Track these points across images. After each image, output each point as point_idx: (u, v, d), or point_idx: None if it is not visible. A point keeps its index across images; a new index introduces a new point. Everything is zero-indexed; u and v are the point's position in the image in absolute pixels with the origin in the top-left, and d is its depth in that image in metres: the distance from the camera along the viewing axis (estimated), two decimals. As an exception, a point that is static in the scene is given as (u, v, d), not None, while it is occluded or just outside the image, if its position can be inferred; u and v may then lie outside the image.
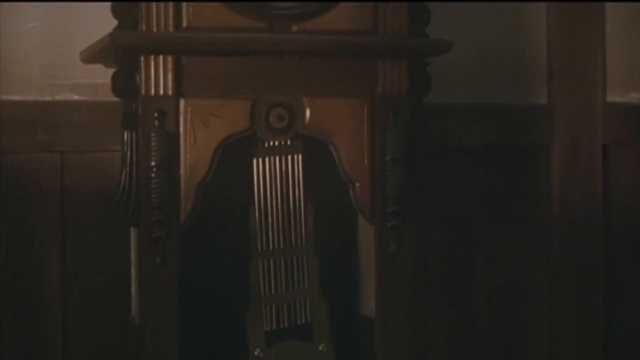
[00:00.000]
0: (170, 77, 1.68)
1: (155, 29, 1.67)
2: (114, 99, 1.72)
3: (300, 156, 1.81)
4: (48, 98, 2.00)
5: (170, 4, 1.67)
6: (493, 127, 2.33)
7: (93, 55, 1.78)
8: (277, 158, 1.80)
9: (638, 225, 2.46)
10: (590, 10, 2.42)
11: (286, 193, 1.82)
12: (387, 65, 1.79)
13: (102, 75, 1.80)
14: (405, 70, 1.81)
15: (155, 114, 1.67)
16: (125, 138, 1.72)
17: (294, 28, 1.74)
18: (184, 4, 1.67)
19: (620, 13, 2.49)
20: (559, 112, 2.39)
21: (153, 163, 1.67)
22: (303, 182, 1.82)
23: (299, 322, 1.84)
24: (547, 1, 2.40)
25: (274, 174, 1.81)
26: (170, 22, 1.67)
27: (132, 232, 1.80)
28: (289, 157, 1.81)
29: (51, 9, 1.99)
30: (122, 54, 1.68)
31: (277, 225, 1.81)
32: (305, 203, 1.83)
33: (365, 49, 1.78)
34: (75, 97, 2.01)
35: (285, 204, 1.81)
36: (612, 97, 2.48)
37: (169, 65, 1.68)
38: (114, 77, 1.69)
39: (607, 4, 2.46)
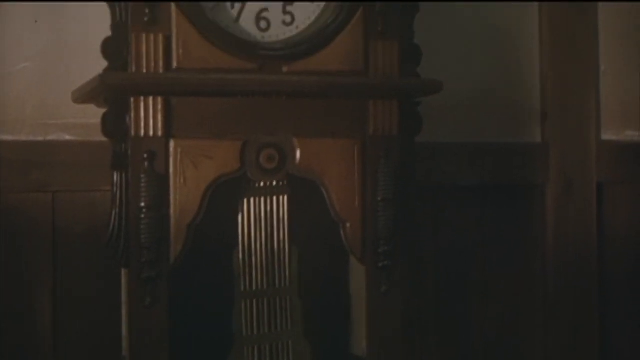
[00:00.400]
0: (160, 118, 1.68)
1: (145, 70, 1.67)
2: (106, 138, 1.73)
3: (286, 197, 1.81)
4: (40, 138, 2.00)
5: (161, 45, 1.67)
6: (487, 166, 2.32)
7: (84, 95, 1.78)
8: (263, 199, 1.80)
9: (633, 263, 2.46)
10: (584, 48, 2.43)
11: (271, 234, 1.81)
12: (378, 106, 1.80)
13: (94, 115, 1.80)
14: (396, 110, 1.81)
15: (145, 155, 1.67)
16: (115, 179, 1.72)
17: (285, 69, 1.75)
18: (175, 45, 1.68)
19: (614, 51, 2.49)
20: (553, 151, 2.39)
21: (143, 204, 1.68)
22: (288, 223, 1.82)
23: (281, 364, 1.84)
24: (541, 1, 2.41)
25: (259, 215, 1.80)
26: (160, 63, 1.68)
27: (123, 272, 1.80)
28: (275, 198, 1.81)
29: (44, 49, 2.00)
30: (111, 95, 1.69)
31: (261, 266, 1.80)
32: (289, 244, 1.82)
33: (356, 89, 1.79)
34: (68, 137, 2.01)
35: (269, 245, 1.81)
36: (607, 135, 2.48)
37: (159, 107, 1.68)
38: (104, 118, 1.70)
39: (601, 43, 2.47)
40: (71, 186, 1.99)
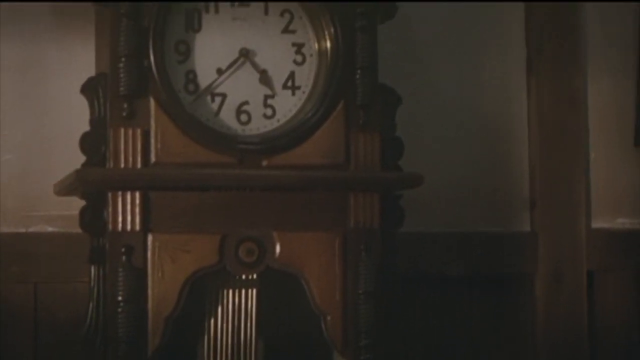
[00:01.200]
0: (137, 212, 1.68)
1: (123, 165, 1.67)
2: (85, 231, 1.73)
3: (255, 291, 1.80)
4: (22, 230, 2.00)
5: (139, 140, 1.68)
6: (475, 255, 2.31)
7: (65, 188, 1.79)
8: (232, 291, 1.79)
9: (624, 352, 2.43)
10: (573, 136, 2.43)
11: (238, 327, 1.79)
12: (359, 199, 1.79)
13: (76, 207, 1.79)
14: (377, 203, 1.80)
15: (123, 249, 1.67)
16: (93, 273, 1.71)
17: (264, 163, 1.75)
18: (153, 139, 1.69)
19: (604, 138, 2.50)
20: (542, 239, 2.37)
21: (120, 298, 1.67)
22: (257, 316, 1.80)
23: None
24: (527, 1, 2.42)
25: (227, 307, 1.79)
26: (138, 158, 1.68)
27: (101, 364, 1.78)
28: (244, 291, 1.79)
29: (26, 142, 2.01)
30: (89, 190, 1.69)
31: (227, 359, 1.78)
32: (256, 338, 1.80)
33: (336, 183, 1.78)
34: (50, 229, 2.01)
35: (236, 338, 1.79)
36: (598, 223, 2.47)
37: (137, 201, 1.68)
38: (82, 213, 1.70)
39: (591, 130, 2.48)
40: (53, 277, 1.98)
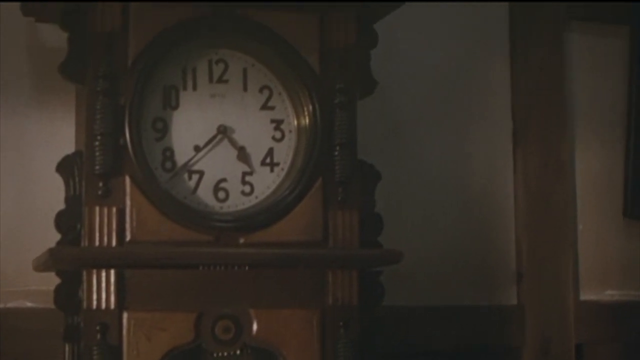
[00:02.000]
0: (112, 290, 1.67)
1: (97, 243, 1.67)
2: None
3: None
4: (1, 305, 2.00)
5: (114, 218, 1.68)
6: (461, 329, 2.29)
7: (42, 265, 1.79)
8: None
9: None
10: (560, 207, 2.43)
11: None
12: (337, 276, 1.78)
13: (56, 282, 1.80)
14: (355, 280, 1.79)
15: (98, 327, 1.66)
16: (67, 351, 1.71)
17: (241, 240, 1.75)
18: (128, 217, 1.69)
19: (592, 209, 2.50)
20: (529, 313, 2.36)
21: (95, 376, 1.66)
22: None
23: None
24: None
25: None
26: (113, 236, 1.68)
27: None
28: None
29: (6, 216, 2.00)
30: (63, 268, 1.69)
31: None
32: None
33: (314, 261, 1.77)
34: (29, 304, 2.00)
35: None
36: (586, 295, 2.46)
37: (112, 279, 1.67)
38: (57, 291, 1.69)
39: (578, 201, 2.48)
40: (29, 354, 1.96)
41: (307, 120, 1.81)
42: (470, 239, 2.35)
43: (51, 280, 1.86)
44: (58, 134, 2.00)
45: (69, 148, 1.80)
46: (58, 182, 1.73)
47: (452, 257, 2.32)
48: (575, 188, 2.48)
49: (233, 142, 1.79)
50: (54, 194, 1.77)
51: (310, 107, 1.80)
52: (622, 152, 2.53)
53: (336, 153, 1.80)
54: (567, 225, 2.44)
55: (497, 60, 2.43)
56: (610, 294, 2.48)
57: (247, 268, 1.74)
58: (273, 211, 1.77)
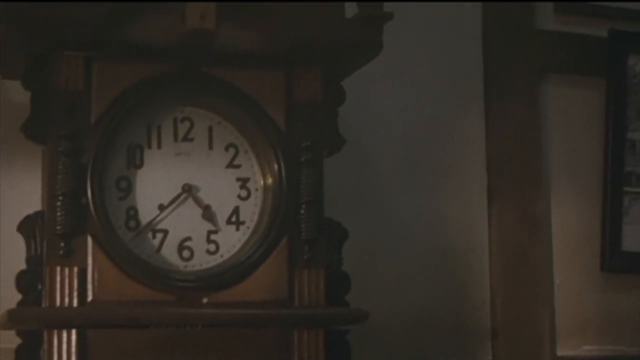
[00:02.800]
0: (74, 351, 1.67)
1: (59, 304, 1.68)
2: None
3: None
4: (-35, 365, 2.00)
5: (75, 279, 1.70)
6: (435, 387, 2.31)
7: (4, 324, 1.79)
8: None
9: None
10: (536, 261, 2.45)
11: None
12: (304, 335, 1.79)
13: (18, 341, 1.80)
14: (322, 339, 1.80)
15: (60, 388, 1.68)
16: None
17: (205, 300, 1.76)
18: (90, 277, 1.70)
19: (568, 263, 2.51)
20: (504, 370, 2.38)
21: None
22: None
23: None
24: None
25: None
26: (75, 296, 1.69)
27: None
28: None
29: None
30: (24, 329, 1.70)
31: None
32: None
33: (280, 320, 1.78)
34: (-6, 363, 2.01)
35: None
36: (563, 351, 2.46)
37: (73, 340, 1.67)
38: (18, 352, 1.70)
39: (555, 255, 2.49)
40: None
41: (273, 179, 1.83)
42: (444, 295, 2.35)
43: (14, 338, 1.87)
44: (24, 193, 2.00)
45: (35, 208, 1.80)
46: (20, 242, 1.74)
47: (426, 313, 2.33)
48: (551, 243, 2.49)
49: (198, 201, 1.81)
50: (15, 254, 1.78)
51: (276, 166, 1.82)
52: (599, 205, 2.55)
53: (302, 211, 1.82)
54: (543, 280, 2.45)
55: (472, 113, 2.46)
56: (587, 349, 2.49)
57: (210, 328, 1.75)
58: (238, 270, 1.79)
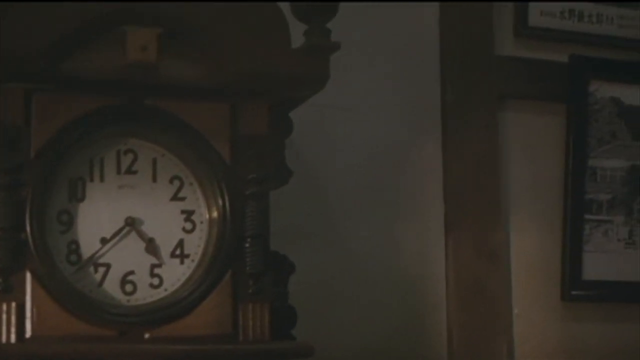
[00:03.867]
0: (13, 383, 1.72)
1: (-6, 341, 1.72)
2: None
3: None
4: None
5: (13, 315, 1.72)
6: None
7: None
8: None
9: None
10: (494, 292, 2.49)
11: None
12: (250, 370, 1.84)
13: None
14: (269, 376, 1.85)
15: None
16: None
17: (147, 335, 1.79)
18: (28, 313, 1.73)
19: (528, 294, 2.55)
20: None
21: None
22: None
23: None
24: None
25: None
26: (13, 332, 1.72)
27: None
28: None
29: None
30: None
31: None
32: None
33: (224, 355, 1.81)
34: None
35: None
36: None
37: (11, 377, 1.72)
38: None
39: (514, 285, 2.54)
40: None
41: (217, 212, 1.86)
42: (399, 326, 2.39)
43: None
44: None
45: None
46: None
47: (381, 346, 2.36)
48: (510, 272, 2.54)
49: (141, 234, 1.85)
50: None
51: (220, 199, 1.86)
52: (560, 233, 2.59)
53: (247, 245, 1.85)
54: (502, 310, 2.50)
55: (429, 140, 2.50)
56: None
57: (153, 362, 1.79)
58: (182, 304, 1.82)
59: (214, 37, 1.81)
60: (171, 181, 1.88)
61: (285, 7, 1.86)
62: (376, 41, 2.47)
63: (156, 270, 1.85)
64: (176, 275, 1.86)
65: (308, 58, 1.86)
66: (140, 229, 1.85)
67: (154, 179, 1.87)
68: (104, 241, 1.82)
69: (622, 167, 2.68)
